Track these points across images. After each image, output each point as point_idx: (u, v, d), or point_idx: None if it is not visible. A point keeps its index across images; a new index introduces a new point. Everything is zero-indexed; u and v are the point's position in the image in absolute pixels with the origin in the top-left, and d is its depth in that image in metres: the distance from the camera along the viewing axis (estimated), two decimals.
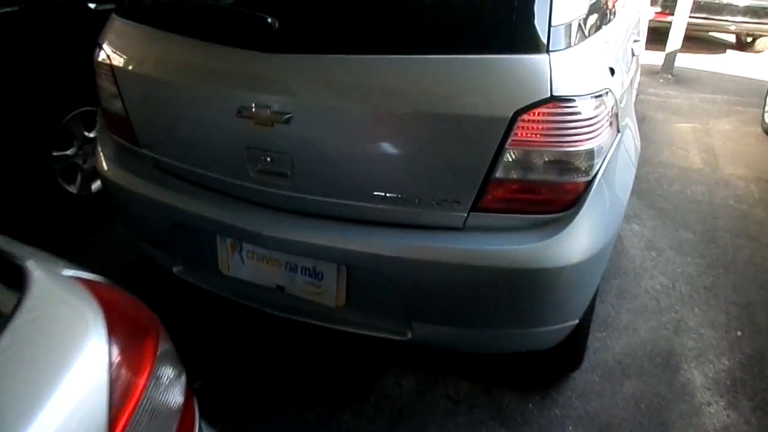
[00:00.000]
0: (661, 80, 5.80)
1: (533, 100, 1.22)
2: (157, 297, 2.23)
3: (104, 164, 1.84)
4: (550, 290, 1.40)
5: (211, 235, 1.65)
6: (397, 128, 1.33)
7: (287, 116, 1.36)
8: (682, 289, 2.48)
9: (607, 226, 1.43)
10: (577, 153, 1.29)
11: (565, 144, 1.27)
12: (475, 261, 1.35)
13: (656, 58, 5.89)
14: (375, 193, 1.40)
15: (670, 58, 5.93)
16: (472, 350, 1.70)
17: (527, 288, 1.39)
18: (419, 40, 1.29)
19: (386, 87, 1.31)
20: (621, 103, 1.50)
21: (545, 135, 1.26)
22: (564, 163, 1.30)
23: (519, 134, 1.25)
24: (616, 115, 1.45)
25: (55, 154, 2.66)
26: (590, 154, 1.30)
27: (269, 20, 1.34)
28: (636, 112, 3.68)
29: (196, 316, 2.14)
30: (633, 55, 2.09)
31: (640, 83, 4.28)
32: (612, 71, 1.43)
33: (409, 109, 1.30)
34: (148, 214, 1.76)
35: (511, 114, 1.23)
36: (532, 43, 1.23)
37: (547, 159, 1.28)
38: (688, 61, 6.40)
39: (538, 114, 1.23)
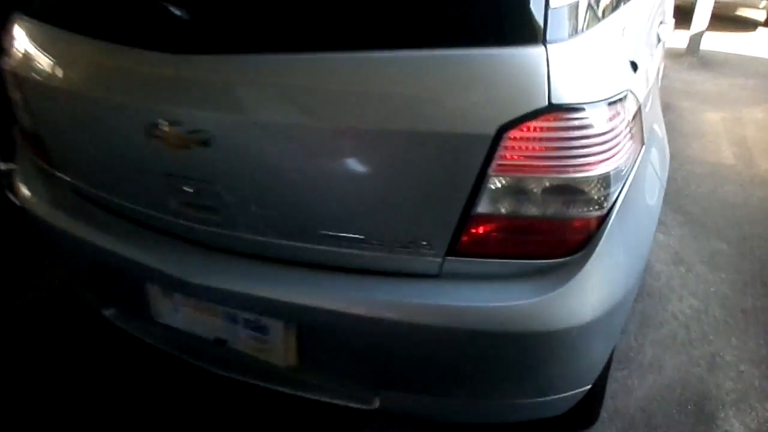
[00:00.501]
0: (686, 64, 5.35)
1: (525, 111, 0.89)
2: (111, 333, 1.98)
3: (20, 188, 1.54)
4: (554, 357, 1.07)
5: (137, 278, 1.35)
6: (347, 150, 1.00)
7: (205, 136, 1.04)
8: (716, 313, 2.13)
9: (629, 271, 1.09)
10: (588, 180, 0.95)
11: (571, 168, 0.93)
12: (453, 322, 1.03)
13: (680, 39, 5.44)
14: (323, 232, 1.08)
15: (696, 39, 5.49)
16: (459, 421, 1.38)
17: (523, 355, 1.06)
18: (371, 32, 0.95)
19: (330, 95, 0.98)
20: (646, 106, 1.16)
21: (543, 157, 0.92)
22: (570, 194, 0.96)
23: (507, 156, 0.92)
24: (641, 122, 1.10)
25: (1, 168, 2.38)
26: (605, 180, 0.96)
27: (175, 10, 1.02)
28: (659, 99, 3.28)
29: (150, 360, 1.85)
30: (659, 41, 1.73)
31: (663, 67, 3.89)
32: (634, 66, 1.09)
33: (360, 124, 0.97)
34: (66, 248, 1.47)
35: (495, 130, 0.90)
36: (522, 32, 0.89)
37: (546, 188, 0.95)
38: (714, 41, 5.93)
39: (533, 129, 0.90)
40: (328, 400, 1.26)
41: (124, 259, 1.29)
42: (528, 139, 0.90)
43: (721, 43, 6.06)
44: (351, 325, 1.10)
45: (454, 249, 1.03)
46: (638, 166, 1.10)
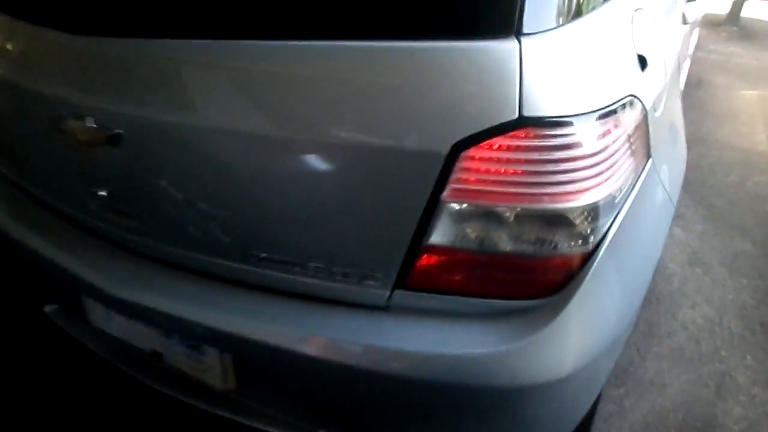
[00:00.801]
0: (725, 34, 4.93)
1: (488, 125, 0.69)
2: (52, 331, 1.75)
3: None
4: (522, 413, 0.89)
5: (67, 281, 1.20)
6: (272, 161, 0.81)
7: (113, 134, 0.87)
8: (731, 325, 1.92)
9: (619, 314, 0.90)
10: (569, 211, 0.75)
11: (547, 197, 0.73)
12: (402, 370, 0.85)
13: (719, 5, 5.01)
14: (252, 252, 0.90)
15: (737, 5, 5.05)
16: None
17: (486, 411, 0.89)
18: (296, 18, 0.75)
19: (253, 95, 0.79)
20: (656, 109, 0.93)
21: (511, 183, 0.73)
22: (546, 228, 0.76)
23: (465, 179, 0.73)
24: (647, 132, 0.89)
25: None
26: (592, 211, 0.76)
27: None
28: (690, 74, 2.96)
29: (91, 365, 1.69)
30: (685, 22, 1.46)
31: (696, 42, 3.54)
32: (643, 62, 0.86)
33: (287, 132, 0.78)
34: None
35: (449, 147, 0.70)
36: (487, 18, 0.68)
37: (515, 220, 0.76)
38: (758, 10, 5.46)
39: (498, 147, 0.70)
40: (269, 429, 1.12)
41: (50, 261, 1.15)
42: (492, 160, 0.71)
43: (766, 11, 5.58)
44: (287, 360, 0.94)
45: (403, 282, 0.85)
46: (640, 186, 0.89)
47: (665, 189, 1.00)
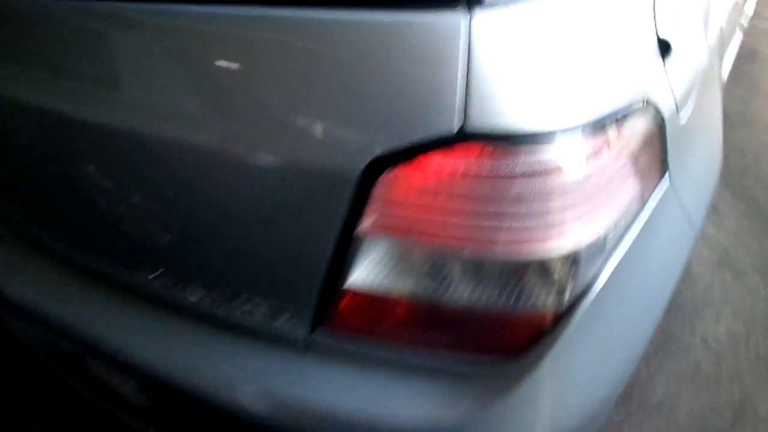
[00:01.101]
0: None
1: (417, 138, 0.47)
2: None
3: None
4: None
5: None
6: (153, 160, 0.62)
7: None
8: (759, 343, 1.68)
9: (607, 380, 0.69)
10: (537, 261, 0.54)
11: (502, 244, 0.52)
12: (310, 427, 0.68)
13: None
14: (147, 264, 0.72)
15: None
16: None
17: None
18: None
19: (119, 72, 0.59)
20: (681, 112, 0.69)
21: (450, 221, 0.51)
22: (504, 279, 0.55)
23: (386, 211, 0.52)
24: (663, 144, 0.65)
25: None
26: (570, 261, 0.55)
27: None
28: (743, 44, 2.60)
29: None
30: None
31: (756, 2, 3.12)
32: (665, 48, 0.62)
33: (167, 129, 0.58)
34: None
35: (363, 165, 0.49)
36: None
37: (459, 266, 0.55)
38: None
39: (430, 171, 0.49)
40: None
41: None
42: (423, 187, 0.49)
43: None
44: (176, 392, 0.77)
45: (322, 321, 0.66)
46: (649, 215, 0.66)
47: (685, 212, 0.77)
